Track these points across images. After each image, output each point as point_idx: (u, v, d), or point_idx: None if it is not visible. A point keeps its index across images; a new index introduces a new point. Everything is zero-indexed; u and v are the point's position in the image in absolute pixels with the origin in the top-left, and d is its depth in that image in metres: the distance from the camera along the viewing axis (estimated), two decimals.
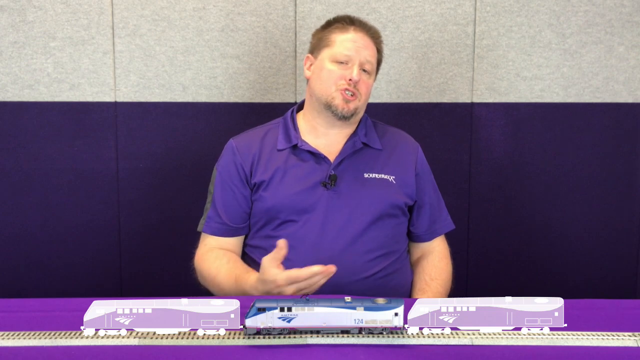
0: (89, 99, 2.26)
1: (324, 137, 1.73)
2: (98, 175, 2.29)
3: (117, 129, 2.27)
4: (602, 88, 2.35)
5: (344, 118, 1.69)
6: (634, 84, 2.35)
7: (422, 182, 1.77)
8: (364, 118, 1.79)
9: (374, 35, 1.73)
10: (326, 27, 1.75)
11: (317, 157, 1.69)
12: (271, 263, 1.45)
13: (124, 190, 2.30)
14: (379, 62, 1.77)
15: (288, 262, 1.63)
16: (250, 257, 1.74)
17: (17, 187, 2.27)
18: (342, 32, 1.70)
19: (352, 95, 1.67)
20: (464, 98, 2.33)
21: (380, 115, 1.96)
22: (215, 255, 1.70)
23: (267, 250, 1.68)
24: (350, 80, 1.66)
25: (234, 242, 1.75)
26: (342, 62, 1.68)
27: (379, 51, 1.75)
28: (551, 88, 2.34)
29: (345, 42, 1.68)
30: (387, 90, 2.32)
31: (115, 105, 2.27)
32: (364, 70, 1.69)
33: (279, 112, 1.89)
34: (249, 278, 1.57)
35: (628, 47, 2.33)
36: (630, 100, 2.36)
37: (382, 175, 1.71)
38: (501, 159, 2.37)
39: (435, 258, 1.78)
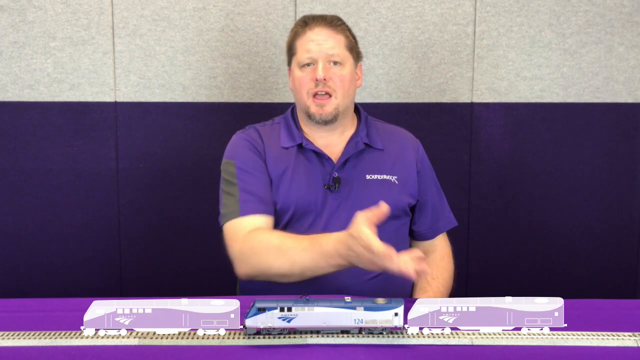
0: (89, 99, 2.26)
1: (322, 139, 1.71)
2: (98, 175, 2.29)
3: (117, 129, 2.27)
4: (602, 88, 2.35)
5: (327, 122, 1.66)
6: (634, 84, 2.35)
7: (424, 180, 1.75)
8: (364, 117, 1.76)
9: (333, 23, 1.66)
10: (290, 35, 1.72)
11: (321, 157, 1.68)
12: (364, 220, 1.29)
13: (124, 190, 2.30)
14: (352, 47, 1.68)
15: None
16: None
17: (17, 187, 2.27)
18: (300, 36, 1.66)
19: (325, 94, 1.63)
20: (464, 98, 2.33)
21: (381, 115, 1.96)
22: (269, 231, 1.56)
23: None
24: (317, 80, 1.62)
25: (270, 222, 1.60)
26: (308, 65, 1.64)
27: (347, 36, 1.67)
28: (551, 88, 2.34)
29: (304, 44, 1.64)
30: (387, 90, 2.32)
31: (115, 105, 2.27)
32: (335, 63, 1.64)
33: (279, 112, 1.89)
34: (329, 236, 1.41)
35: (628, 47, 2.33)
36: (630, 100, 2.36)
37: (385, 177, 1.69)
38: (501, 159, 2.37)
39: (437, 257, 1.77)
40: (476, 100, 2.33)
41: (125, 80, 2.26)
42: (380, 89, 2.31)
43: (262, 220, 1.58)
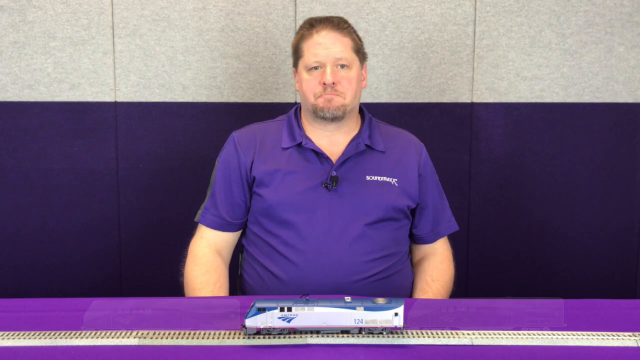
0: (89, 99, 2.26)
1: (326, 138, 1.72)
2: (98, 175, 2.29)
3: (117, 129, 2.27)
4: (602, 88, 2.35)
5: (336, 118, 1.66)
6: (634, 84, 2.35)
7: (425, 184, 1.75)
8: (368, 119, 1.76)
9: (340, 26, 1.66)
10: (296, 37, 1.72)
11: (320, 157, 1.68)
12: None
13: (124, 190, 2.30)
14: (358, 49, 1.69)
15: (289, 263, 1.64)
16: (249, 252, 1.74)
17: (17, 187, 2.27)
18: (307, 39, 1.67)
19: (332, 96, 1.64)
20: (464, 98, 2.33)
21: (380, 115, 1.96)
22: (206, 268, 1.70)
23: (266, 242, 1.68)
24: (325, 84, 1.63)
25: (228, 238, 1.75)
26: (315, 69, 1.65)
27: (354, 38, 1.68)
28: (551, 88, 2.34)
29: (312, 47, 1.65)
30: (387, 90, 2.32)
31: (115, 105, 2.27)
32: (342, 66, 1.65)
33: (279, 112, 1.89)
34: None
35: (628, 47, 2.33)
36: (630, 100, 2.36)
37: (384, 178, 1.69)
38: (501, 159, 2.37)
39: (437, 260, 1.77)
40: (476, 100, 2.33)
41: (125, 80, 2.26)
42: (380, 89, 2.31)
43: (216, 235, 1.73)
